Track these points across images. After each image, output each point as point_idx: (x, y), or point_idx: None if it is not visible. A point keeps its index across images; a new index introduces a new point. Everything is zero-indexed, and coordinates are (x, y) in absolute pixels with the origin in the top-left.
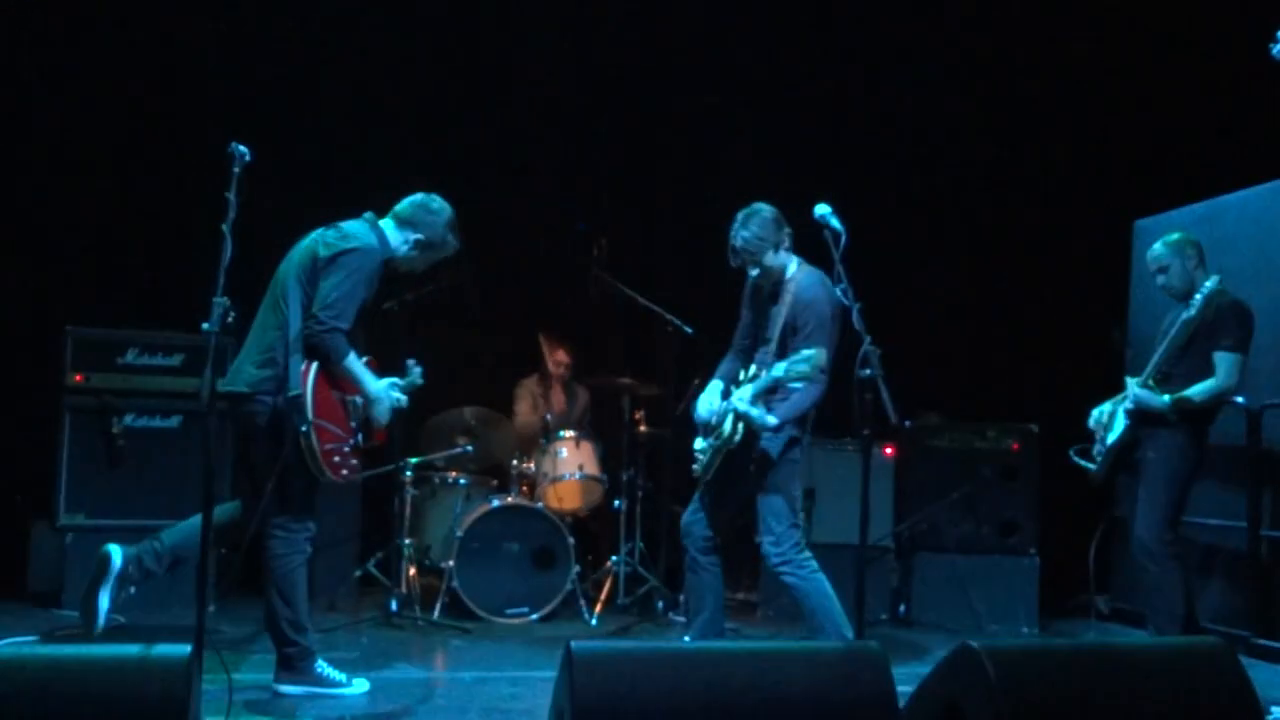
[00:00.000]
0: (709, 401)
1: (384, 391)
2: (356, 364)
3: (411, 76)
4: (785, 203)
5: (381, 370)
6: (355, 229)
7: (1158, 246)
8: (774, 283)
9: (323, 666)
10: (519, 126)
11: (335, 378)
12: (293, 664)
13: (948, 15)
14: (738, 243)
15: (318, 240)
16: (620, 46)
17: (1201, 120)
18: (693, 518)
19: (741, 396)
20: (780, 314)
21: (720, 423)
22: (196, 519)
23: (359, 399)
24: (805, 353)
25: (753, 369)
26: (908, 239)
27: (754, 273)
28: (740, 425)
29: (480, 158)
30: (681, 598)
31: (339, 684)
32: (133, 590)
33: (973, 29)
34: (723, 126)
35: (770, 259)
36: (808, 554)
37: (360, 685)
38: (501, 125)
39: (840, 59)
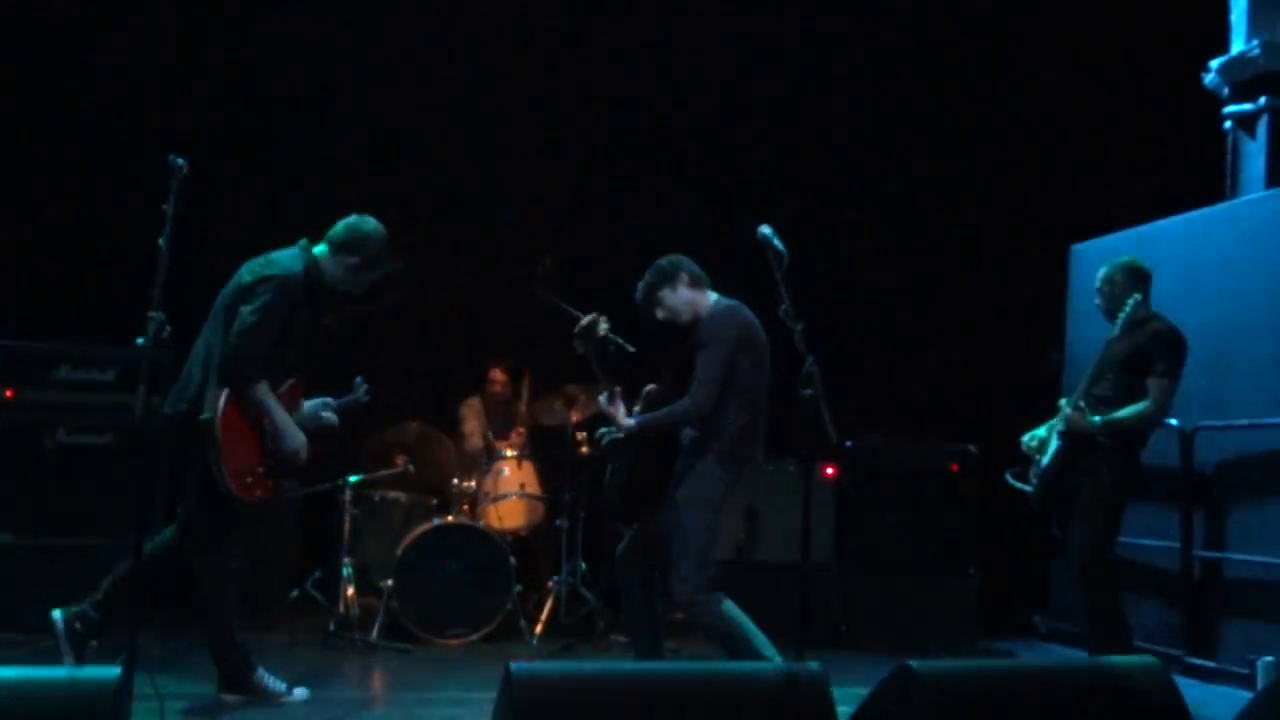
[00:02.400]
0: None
1: (292, 429)
2: (266, 395)
3: (358, 97)
4: (728, 223)
5: (321, 388)
6: (281, 256)
7: (1102, 268)
8: (694, 321)
9: (263, 676)
10: (465, 145)
11: (244, 406)
12: (233, 676)
13: (887, 41)
14: (636, 297)
15: (246, 267)
16: (567, 64)
17: (1138, 146)
18: (626, 546)
19: (603, 397)
20: (690, 341)
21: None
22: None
23: (271, 428)
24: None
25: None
26: (849, 260)
27: (659, 315)
28: (610, 432)
29: (427, 176)
30: (623, 618)
31: (280, 692)
32: (94, 644)
33: (915, 55)
34: (667, 145)
35: (669, 298)
36: (716, 592)
37: (300, 693)
38: (447, 143)
39: (785, 82)
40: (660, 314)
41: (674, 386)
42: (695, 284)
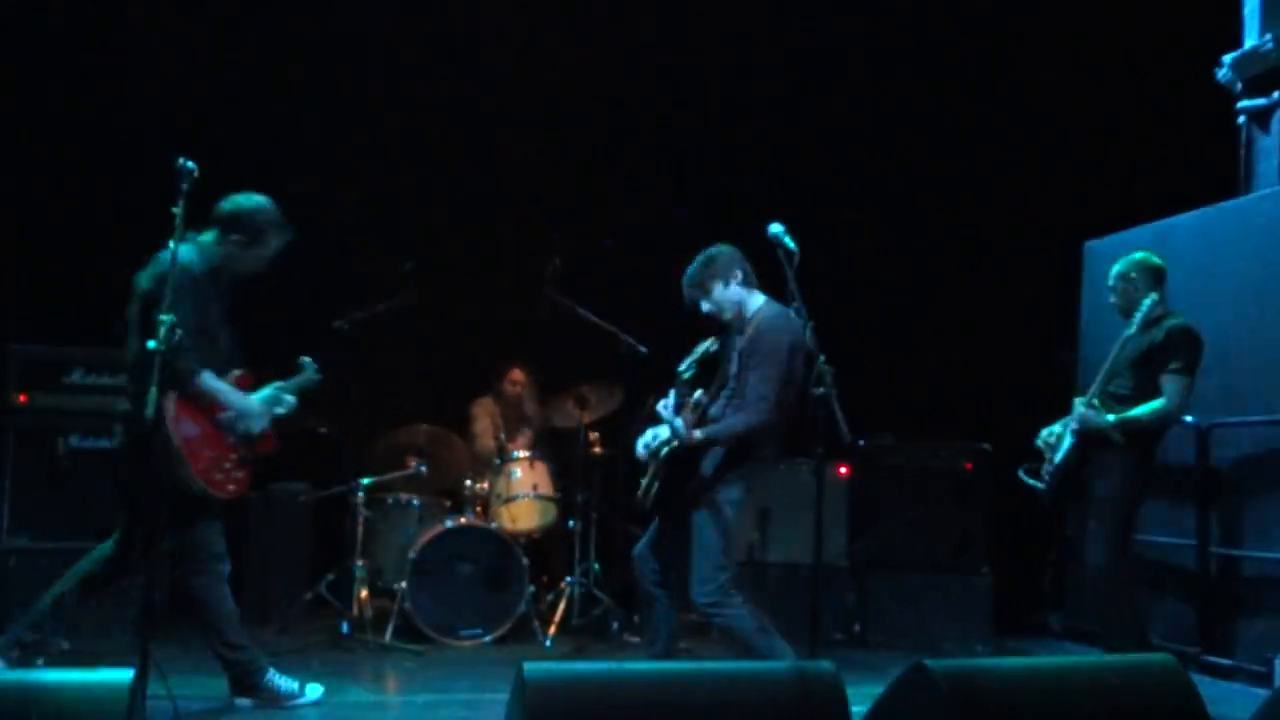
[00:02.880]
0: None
1: (250, 404)
2: (212, 382)
3: (367, 98)
4: (741, 221)
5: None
6: (167, 255)
7: (1117, 265)
8: (737, 319)
9: (274, 678)
10: (474, 145)
11: (196, 400)
12: (241, 680)
13: (902, 38)
14: (685, 279)
15: (141, 276)
16: (579, 64)
17: (1151, 142)
18: (642, 549)
19: (665, 404)
20: (738, 345)
21: (659, 448)
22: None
23: (229, 414)
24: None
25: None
26: (860, 258)
27: (705, 307)
28: (668, 442)
29: (439, 176)
30: (637, 619)
31: (292, 694)
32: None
33: (925, 52)
34: (675, 144)
35: (719, 293)
36: (735, 593)
37: (314, 691)
38: (460, 143)
39: (793, 78)
40: (706, 305)
41: (731, 392)
42: (747, 283)
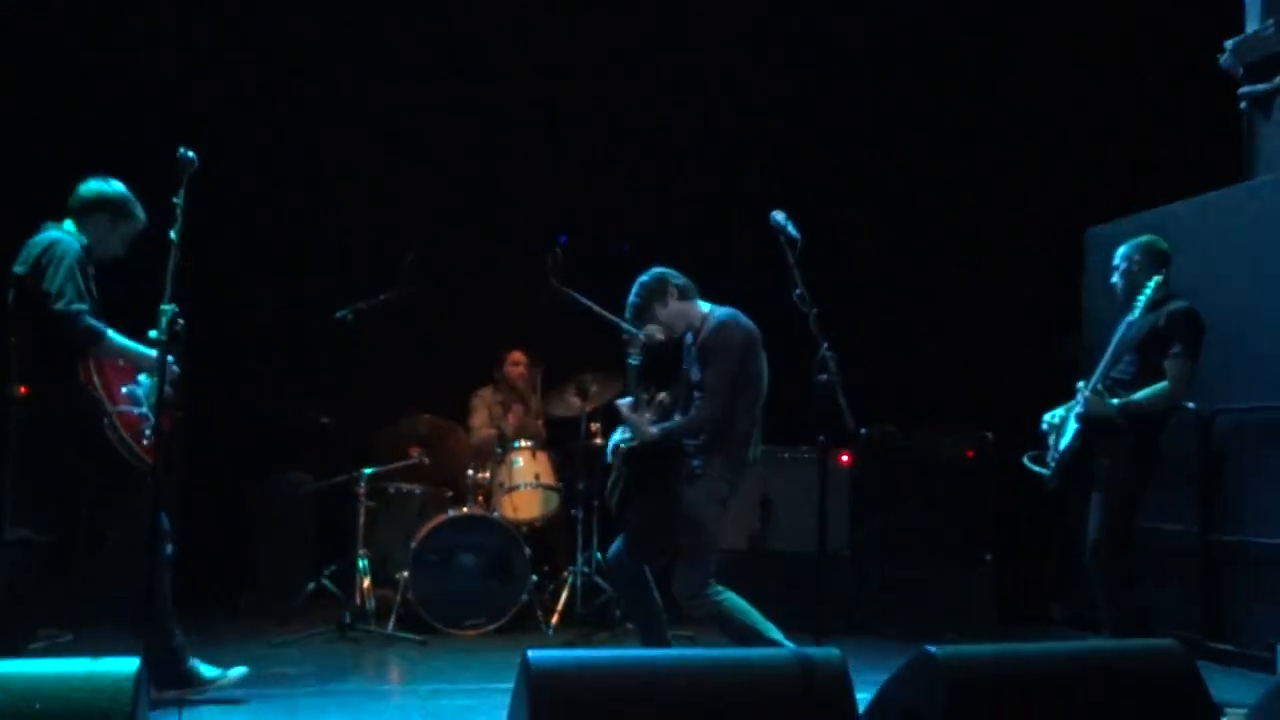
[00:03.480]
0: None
1: (155, 356)
2: (119, 338)
3: (372, 84)
4: (743, 207)
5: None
6: (37, 238)
7: (1120, 248)
8: (689, 329)
9: (195, 665)
10: (477, 136)
11: (111, 361)
12: (164, 669)
13: (903, 24)
14: (628, 314)
15: (16, 264)
16: (578, 53)
17: (1153, 128)
18: (616, 555)
19: (623, 402)
20: (692, 352)
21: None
22: None
23: (135, 386)
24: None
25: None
26: (862, 246)
27: (654, 331)
28: (623, 441)
29: (440, 166)
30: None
31: (214, 678)
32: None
33: (929, 38)
34: (678, 133)
35: (661, 314)
36: (714, 585)
37: (237, 671)
38: (462, 134)
39: (796, 67)
40: (655, 330)
41: (681, 397)
42: (684, 295)
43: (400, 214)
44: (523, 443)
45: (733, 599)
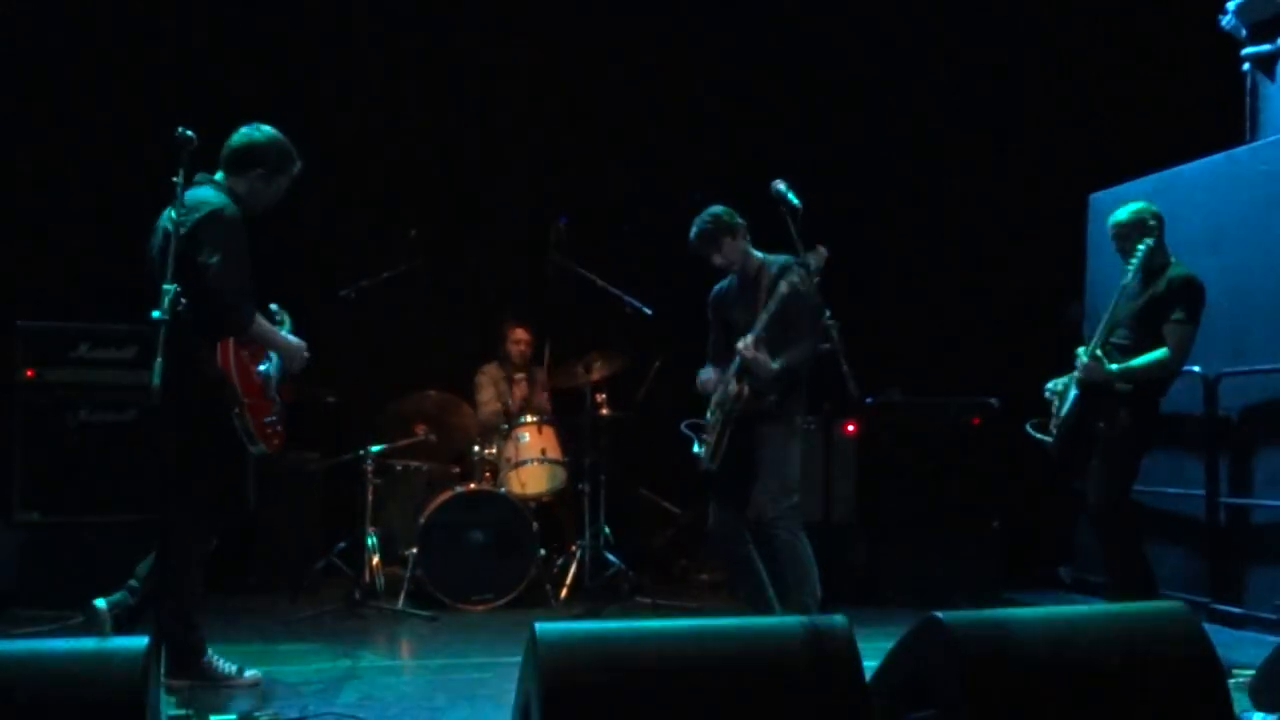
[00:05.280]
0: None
1: (291, 343)
2: (264, 325)
3: (373, 61)
4: (744, 177)
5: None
6: (200, 195)
7: (1112, 215)
8: (742, 273)
9: (213, 659)
10: (478, 110)
11: (249, 349)
12: (182, 660)
13: None
14: (697, 237)
15: (166, 223)
16: (581, 32)
17: (1155, 91)
18: (714, 518)
19: (742, 342)
20: (756, 300)
21: (723, 393)
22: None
23: (265, 366)
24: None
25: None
26: (865, 214)
27: (716, 260)
28: (745, 385)
29: (443, 142)
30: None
31: (230, 675)
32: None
33: (928, 3)
34: (681, 104)
35: (728, 247)
36: (801, 518)
37: (252, 675)
38: (465, 110)
39: (799, 34)
40: (718, 260)
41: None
42: (748, 238)
43: (403, 191)
44: (529, 418)
45: (806, 545)
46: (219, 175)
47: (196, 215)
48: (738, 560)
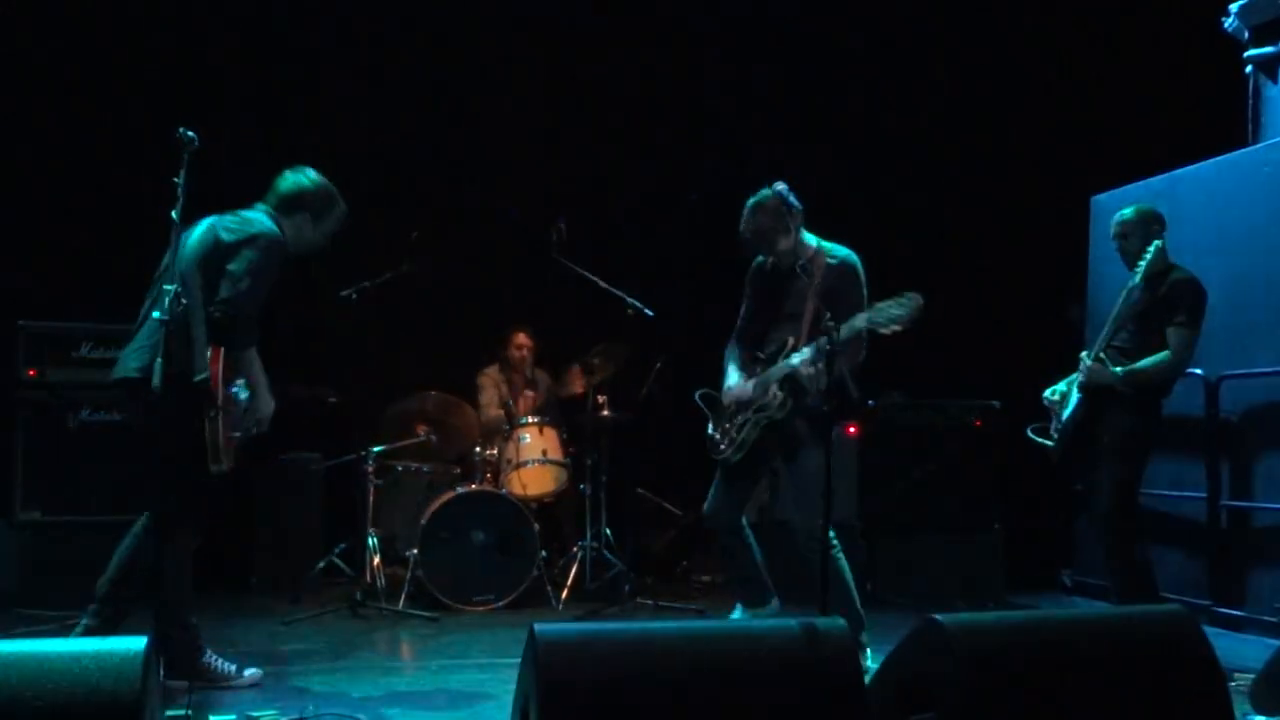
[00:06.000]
0: (737, 382)
1: (266, 391)
2: (254, 355)
3: (375, 62)
4: (745, 179)
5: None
6: (256, 217)
7: (1115, 217)
8: (792, 262)
9: (210, 658)
10: (483, 112)
11: (233, 364)
12: (180, 660)
13: None
14: (746, 233)
15: (216, 225)
16: (583, 34)
17: (1158, 93)
18: (716, 504)
19: (800, 358)
20: (808, 287)
21: (760, 394)
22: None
23: (237, 390)
24: (896, 300)
25: (790, 344)
26: (867, 215)
27: (766, 256)
28: (785, 394)
29: (444, 143)
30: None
31: (230, 675)
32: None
33: (930, 5)
34: (683, 108)
35: (783, 243)
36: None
37: (252, 674)
38: (466, 111)
39: (801, 34)
40: (768, 256)
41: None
42: (800, 225)
43: (404, 192)
44: (531, 419)
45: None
46: (268, 209)
47: (252, 230)
48: (730, 547)
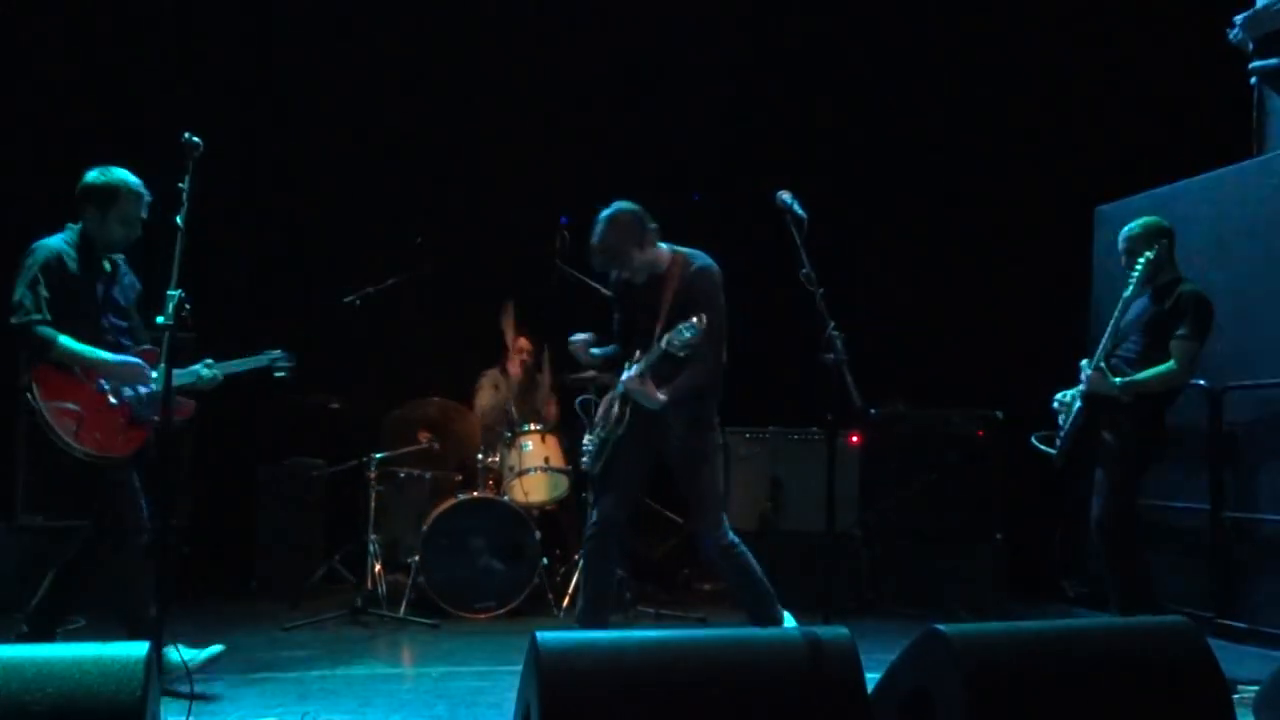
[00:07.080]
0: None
1: (119, 366)
2: (77, 348)
3: (378, 67)
4: (749, 188)
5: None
6: (41, 241)
7: (1131, 226)
8: (649, 275)
9: (169, 652)
10: (486, 118)
11: (68, 364)
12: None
13: (908, 3)
14: (598, 247)
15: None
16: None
17: (1162, 105)
18: (600, 516)
19: (628, 374)
20: (664, 297)
21: (608, 410)
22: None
23: (104, 381)
24: (687, 322)
25: (638, 357)
26: (870, 225)
27: (621, 273)
28: (628, 409)
29: (447, 149)
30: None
31: (193, 659)
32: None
33: (936, 15)
34: (688, 116)
35: (637, 258)
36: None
37: (214, 649)
38: (469, 117)
39: (804, 43)
40: (623, 273)
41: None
42: (655, 239)
43: (408, 198)
44: (532, 426)
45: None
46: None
47: (24, 255)
48: (595, 564)
